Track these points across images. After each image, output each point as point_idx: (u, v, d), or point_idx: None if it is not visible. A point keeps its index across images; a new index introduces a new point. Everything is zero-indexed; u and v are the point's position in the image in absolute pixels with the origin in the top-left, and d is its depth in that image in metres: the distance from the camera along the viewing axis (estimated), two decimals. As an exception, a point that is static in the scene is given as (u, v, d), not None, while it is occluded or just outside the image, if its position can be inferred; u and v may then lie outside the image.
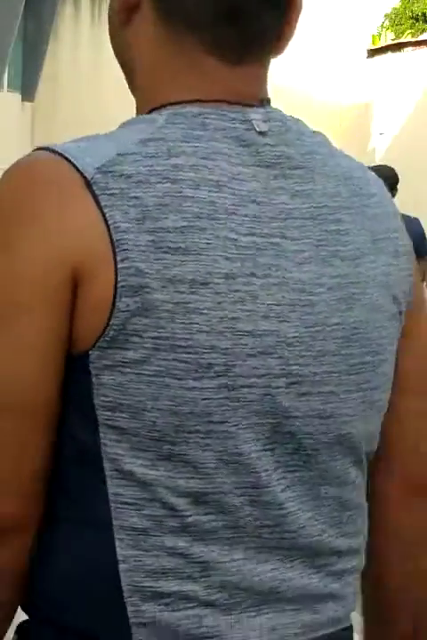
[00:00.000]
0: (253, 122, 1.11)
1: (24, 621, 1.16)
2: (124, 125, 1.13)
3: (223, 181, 1.07)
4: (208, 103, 1.11)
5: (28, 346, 1.03)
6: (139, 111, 1.18)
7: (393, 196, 6.92)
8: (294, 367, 1.09)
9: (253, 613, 1.11)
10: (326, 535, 1.15)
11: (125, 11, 1.17)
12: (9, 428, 1.04)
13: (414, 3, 33.32)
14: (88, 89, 13.47)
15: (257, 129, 1.11)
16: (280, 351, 1.08)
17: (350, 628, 1.22)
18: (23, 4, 10.25)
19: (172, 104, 1.11)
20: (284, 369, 1.09)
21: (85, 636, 1.10)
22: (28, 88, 12.67)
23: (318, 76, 13.79)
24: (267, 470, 1.10)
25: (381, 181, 1.26)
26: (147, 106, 1.14)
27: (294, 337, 1.09)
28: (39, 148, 1.10)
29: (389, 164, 10.78)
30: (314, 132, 1.19)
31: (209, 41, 1.12)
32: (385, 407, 1.20)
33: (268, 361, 1.07)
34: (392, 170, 7.08)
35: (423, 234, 6.88)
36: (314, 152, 1.15)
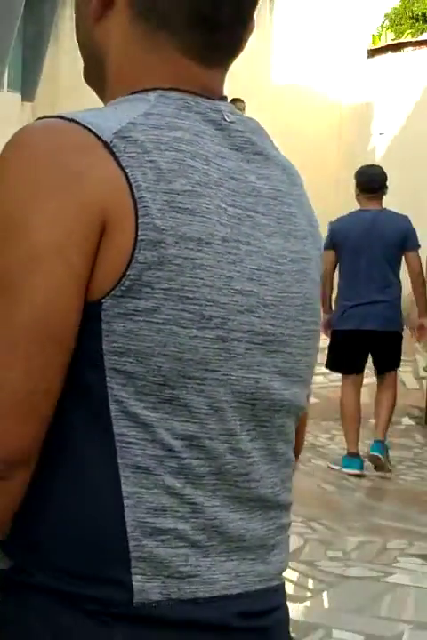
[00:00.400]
0: (223, 112, 1.24)
1: (3, 570, 1.20)
2: (117, 103, 1.22)
3: (210, 157, 1.19)
4: (184, 92, 1.22)
5: (64, 284, 1.11)
6: (107, 99, 1.31)
7: (384, 193, 7.00)
8: (268, 327, 1.22)
9: (223, 558, 1.20)
10: (277, 489, 1.26)
11: (102, 6, 1.26)
12: (45, 358, 1.12)
13: (414, 3, 33.32)
14: (88, 89, 13.43)
15: (227, 119, 1.24)
16: (259, 311, 1.21)
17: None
18: (23, 5, 10.25)
19: (151, 89, 1.22)
20: (262, 328, 1.21)
21: (84, 576, 1.15)
22: (28, 88, 12.68)
23: (318, 76, 13.78)
24: (241, 420, 1.20)
25: (296, 171, 1.35)
26: (121, 94, 1.24)
27: (270, 300, 1.22)
28: (44, 117, 1.19)
29: (389, 163, 10.77)
30: (253, 121, 1.30)
31: (182, 43, 1.23)
32: (312, 368, 1.35)
33: (251, 319, 1.20)
34: (380, 168, 7.12)
35: (413, 229, 6.87)
36: (265, 144, 1.28)
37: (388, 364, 6.92)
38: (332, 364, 6.99)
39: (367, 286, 6.74)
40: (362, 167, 7.17)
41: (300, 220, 1.28)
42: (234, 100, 13.38)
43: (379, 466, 6.77)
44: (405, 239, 6.81)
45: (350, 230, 6.83)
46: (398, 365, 7.03)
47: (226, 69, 1.32)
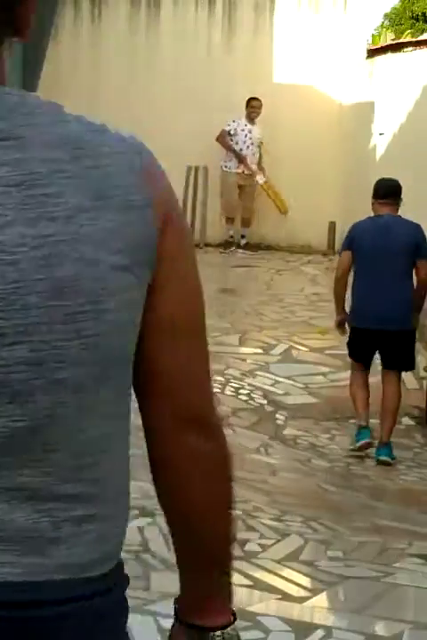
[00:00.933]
0: None
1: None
2: None
3: None
4: None
5: None
6: None
7: (398, 202, 7.34)
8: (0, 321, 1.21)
9: None
10: (51, 479, 1.26)
11: None
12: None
13: (414, 3, 33.32)
14: (88, 89, 13.47)
15: None
16: None
17: (95, 580, 1.30)
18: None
19: None
20: None
21: None
22: (28, 88, 12.68)
23: (318, 76, 13.78)
24: None
25: (125, 142, 1.34)
26: None
27: None
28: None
29: (389, 163, 10.77)
30: (45, 103, 1.29)
31: None
32: (125, 351, 1.31)
33: None
34: (396, 180, 7.43)
35: (425, 237, 7.17)
36: (32, 124, 1.25)
37: (398, 363, 7.21)
38: (349, 353, 7.47)
39: (381, 285, 7.05)
40: (380, 178, 7.53)
41: (68, 199, 1.25)
42: (250, 100, 13.41)
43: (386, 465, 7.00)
44: (417, 246, 7.12)
45: (366, 232, 7.21)
46: (411, 366, 7.38)
47: None
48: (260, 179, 13.53)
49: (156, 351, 1.36)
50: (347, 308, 7.38)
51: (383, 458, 6.94)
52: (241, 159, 13.45)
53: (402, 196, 7.33)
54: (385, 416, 7.08)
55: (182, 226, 1.39)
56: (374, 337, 7.13)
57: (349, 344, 7.44)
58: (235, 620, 1.48)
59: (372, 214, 7.39)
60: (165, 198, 1.35)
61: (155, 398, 1.38)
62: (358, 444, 7.07)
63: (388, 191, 7.29)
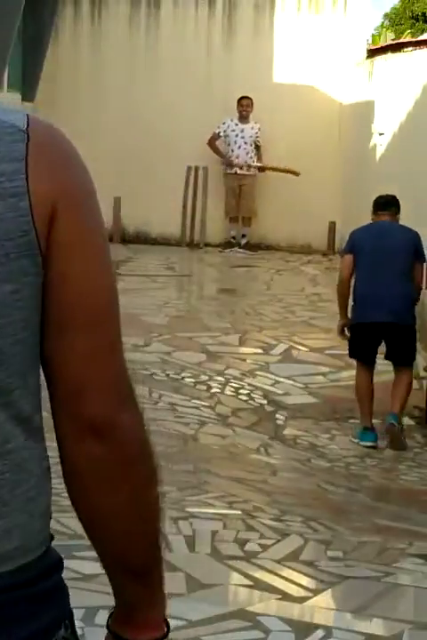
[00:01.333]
0: None
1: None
2: None
3: None
4: None
5: None
6: None
7: (396, 212, 7.48)
8: None
9: None
10: None
11: None
12: None
13: (414, 3, 33.31)
14: (87, 89, 13.47)
15: None
16: None
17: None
18: (23, 4, 10.24)
19: None
20: None
21: None
22: (28, 88, 12.67)
23: (318, 76, 13.77)
24: None
25: (8, 128, 1.28)
26: None
27: None
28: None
29: (389, 163, 10.76)
30: None
31: None
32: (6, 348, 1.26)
33: None
34: (393, 195, 7.71)
35: (421, 243, 7.42)
36: None
37: (402, 357, 7.38)
38: (350, 353, 7.61)
39: (382, 282, 7.26)
40: (379, 195, 7.81)
41: None
42: (242, 98, 13.41)
43: (395, 438, 7.17)
44: (415, 249, 7.38)
45: (366, 234, 7.48)
46: (413, 359, 7.54)
47: None
48: (256, 169, 13.47)
49: (53, 351, 1.31)
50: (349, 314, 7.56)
51: (390, 421, 7.19)
52: (228, 162, 13.47)
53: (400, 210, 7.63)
54: (396, 394, 7.32)
55: (82, 217, 1.30)
56: (379, 330, 7.28)
57: (351, 343, 7.52)
58: (168, 632, 1.43)
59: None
60: (56, 186, 1.28)
61: (54, 403, 1.33)
62: (363, 444, 7.22)
63: (387, 203, 7.58)
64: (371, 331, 7.33)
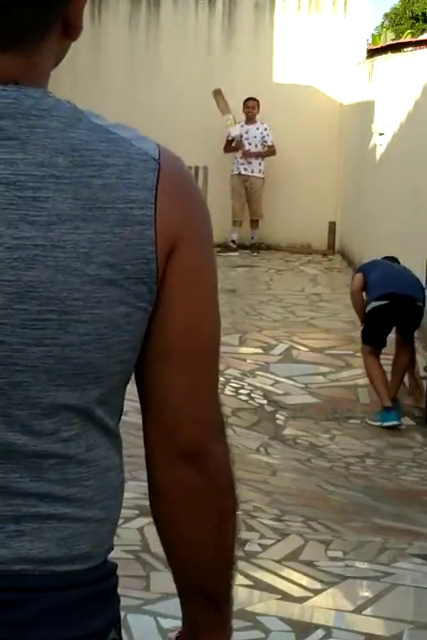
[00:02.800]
0: None
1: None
2: None
3: None
4: None
5: None
6: None
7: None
8: None
9: None
10: (15, 476, 1.28)
11: None
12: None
13: (414, 3, 33.33)
14: (87, 89, 13.47)
15: None
16: None
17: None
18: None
19: None
20: None
21: None
22: (28, 88, 12.70)
23: (318, 76, 13.78)
24: None
25: (142, 156, 1.31)
26: None
27: None
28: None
29: (389, 163, 10.75)
30: (63, 106, 1.30)
31: None
32: (109, 368, 1.29)
33: None
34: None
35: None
36: (37, 126, 1.25)
37: (411, 333, 7.78)
38: (365, 338, 7.78)
39: (398, 270, 7.86)
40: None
41: (55, 205, 1.24)
42: (247, 100, 13.39)
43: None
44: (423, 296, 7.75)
45: (377, 262, 8.07)
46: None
47: (20, 53, 1.30)
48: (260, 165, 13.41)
49: (154, 378, 1.35)
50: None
51: (392, 422, 7.43)
52: (237, 147, 13.34)
53: None
54: (398, 372, 7.69)
55: (199, 254, 1.35)
56: (395, 308, 7.51)
57: (366, 328, 7.72)
58: None
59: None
60: (180, 219, 1.32)
61: (149, 428, 1.37)
62: (387, 424, 7.42)
63: (393, 259, 8.06)
64: (387, 311, 7.55)
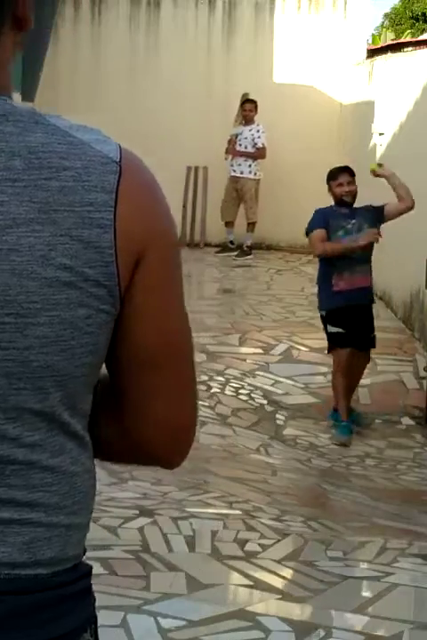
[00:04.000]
0: None
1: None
2: None
3: None
4: None
5: None
6: None
7: None
8: None
9: None
10: None
11: None
12: None
13: (414, 3, 33.33)
14: (87, 89, 13.47)
15: None
16: None
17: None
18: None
19: None
20: None
21: None
22: (28, 88, 12.69)
23: (318, 76, 13.77)
24: None
25: (103, 159, 1.30)
26: None
27: None
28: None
29: (389, 163, 10.74)
30: (20, 111, 1.28)
31: None
32: (71, 371, 1.29)
33: None
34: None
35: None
36: None
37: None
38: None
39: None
40: None
41: (10, 208, 1.24)
42: (246, 101, 13.36)
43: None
44: None
45: None
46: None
47: None
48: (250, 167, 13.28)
49: (122, 382, 1.38)
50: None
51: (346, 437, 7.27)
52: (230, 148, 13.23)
53: None
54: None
55: (166, 264, 1.35)
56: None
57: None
58: None
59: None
60: (145, 226, 1.31)
61: (113, 423, 1.42)
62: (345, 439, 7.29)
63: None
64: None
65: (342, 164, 7.81)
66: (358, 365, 7.47)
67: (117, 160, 1.31)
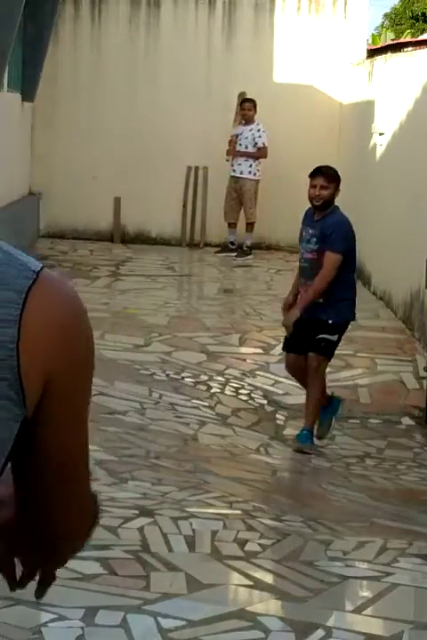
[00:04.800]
0: None
1: None
2: None
3: None
4: None
5: None
6: None
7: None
8: None
9: None
10: None
11: None
12: None
13: (414, 3, 33.32)
14: (88, 89, 13.47)
15: None
16: None
17: None
18: (23, 4, 10.24)
19: None
20: None
21: None
22: (28, 88, 12.67)
23: (318, 76, 13.77)
24: None
25: (14, 264, 1.31)
26: None
27: None
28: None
29: (389, 163, 10.75)
30: None
31: None
32: None
33: None
34: (333, 169, 7.68)
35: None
36: None
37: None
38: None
39: None
40: (319, 167, 7.56)
41: None
42: (244, 100, 13.35)
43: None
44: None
45: None
46: None
47: None
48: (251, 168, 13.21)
49: (30, 488, 1.41)
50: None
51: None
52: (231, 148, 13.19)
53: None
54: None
55: (73, 395, 1.36)
56: None
57: (337, 343, 7.11)
58: None
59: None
60: (57, 347, 1.31)
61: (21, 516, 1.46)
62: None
63: None
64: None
65: (324, 165, 7.62)
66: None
67: (36, 270, 1.32)
